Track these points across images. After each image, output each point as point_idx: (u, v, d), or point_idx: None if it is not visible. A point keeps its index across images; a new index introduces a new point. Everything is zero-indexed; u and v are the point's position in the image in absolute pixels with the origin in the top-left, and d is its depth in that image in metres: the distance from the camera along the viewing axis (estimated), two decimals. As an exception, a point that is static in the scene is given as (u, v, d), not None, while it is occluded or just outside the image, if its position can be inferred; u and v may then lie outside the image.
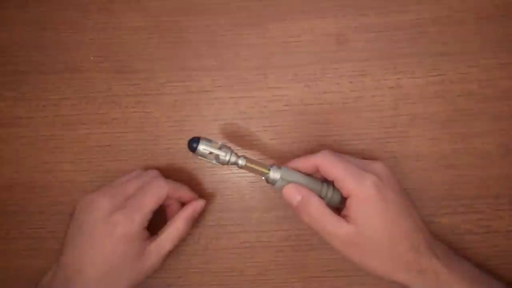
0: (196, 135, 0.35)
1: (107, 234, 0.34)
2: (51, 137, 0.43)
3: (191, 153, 0.42)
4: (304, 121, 0.42)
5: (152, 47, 0.44)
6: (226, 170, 0.42)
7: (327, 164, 0.35)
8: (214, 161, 0.35)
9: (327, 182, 0.36)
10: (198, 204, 0.39)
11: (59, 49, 0.44)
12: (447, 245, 0.37)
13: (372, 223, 0.33)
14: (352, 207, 0.33)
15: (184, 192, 0.39)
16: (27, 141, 0.43)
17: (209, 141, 0.34)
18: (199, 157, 0.35)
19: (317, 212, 0.34)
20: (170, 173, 0.42)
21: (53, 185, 0.42)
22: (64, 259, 0.35)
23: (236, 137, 0.42)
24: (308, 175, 0.36)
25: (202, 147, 0.34)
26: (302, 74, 0.43)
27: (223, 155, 0.34)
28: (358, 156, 0.41)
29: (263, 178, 0.36)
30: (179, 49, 0.44)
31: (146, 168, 0.42)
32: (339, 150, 0.41)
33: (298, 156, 0.36)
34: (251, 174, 0.37)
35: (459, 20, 0.42)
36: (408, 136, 0.41)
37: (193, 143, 0.34)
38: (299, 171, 0.36)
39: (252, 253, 0.41)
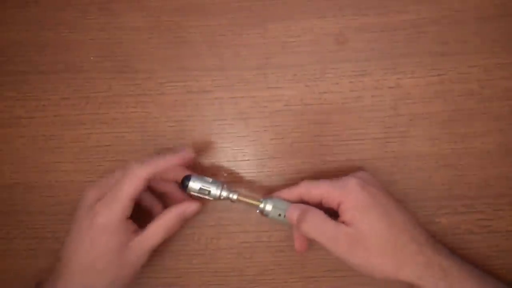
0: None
1: (89, 225, 0.34)
2: (51, 137, 0.43)
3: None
4: (304, 121, 0.42)
5: (152, 47, 0.44)
6: (226, 170, 0.42)
7: (310, 188, 0.36)
8: (207, 196, 0.36)
9: None
10: (193, 204, 0.37)
11: (59, 49, 0.44)
12: (447, 246, 0.37)
13: (367, 218, 0.34)
14: (345, 211, 0.34)
15: (167, 162, 0.36)
16: (27, 141, 0.43)
17: (200, 177, 0.36)
18: (192, 193, 0.36)
19: (318, 219, 0.35)
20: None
21: (53, 185, 0.42)
22: (60, 253, 0.35)
23: (236, 138, 0.42)
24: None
25: (192, 184, 0.36)
26: (302, 74, 0.43)
27: (214, 190, 0.36)
28: (358, 156, 0.41)
29: (257, 211, 0.37)
30: (179, 49, 0.44)
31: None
32: (339, 151, 0.41)
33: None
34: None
35: (459, 20, 0.42)
36: (408, 136, 0.41)
37: (185, 181, 0.36)
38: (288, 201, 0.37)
39: (252, 253, 0.41)
